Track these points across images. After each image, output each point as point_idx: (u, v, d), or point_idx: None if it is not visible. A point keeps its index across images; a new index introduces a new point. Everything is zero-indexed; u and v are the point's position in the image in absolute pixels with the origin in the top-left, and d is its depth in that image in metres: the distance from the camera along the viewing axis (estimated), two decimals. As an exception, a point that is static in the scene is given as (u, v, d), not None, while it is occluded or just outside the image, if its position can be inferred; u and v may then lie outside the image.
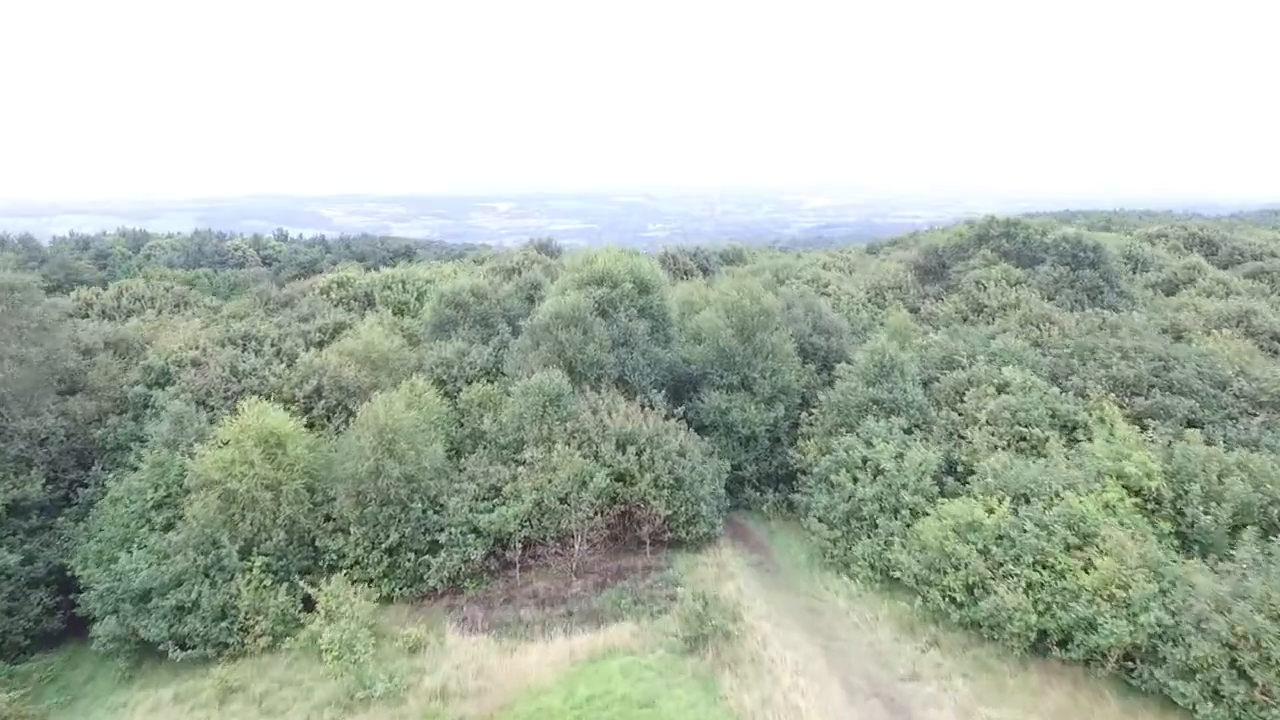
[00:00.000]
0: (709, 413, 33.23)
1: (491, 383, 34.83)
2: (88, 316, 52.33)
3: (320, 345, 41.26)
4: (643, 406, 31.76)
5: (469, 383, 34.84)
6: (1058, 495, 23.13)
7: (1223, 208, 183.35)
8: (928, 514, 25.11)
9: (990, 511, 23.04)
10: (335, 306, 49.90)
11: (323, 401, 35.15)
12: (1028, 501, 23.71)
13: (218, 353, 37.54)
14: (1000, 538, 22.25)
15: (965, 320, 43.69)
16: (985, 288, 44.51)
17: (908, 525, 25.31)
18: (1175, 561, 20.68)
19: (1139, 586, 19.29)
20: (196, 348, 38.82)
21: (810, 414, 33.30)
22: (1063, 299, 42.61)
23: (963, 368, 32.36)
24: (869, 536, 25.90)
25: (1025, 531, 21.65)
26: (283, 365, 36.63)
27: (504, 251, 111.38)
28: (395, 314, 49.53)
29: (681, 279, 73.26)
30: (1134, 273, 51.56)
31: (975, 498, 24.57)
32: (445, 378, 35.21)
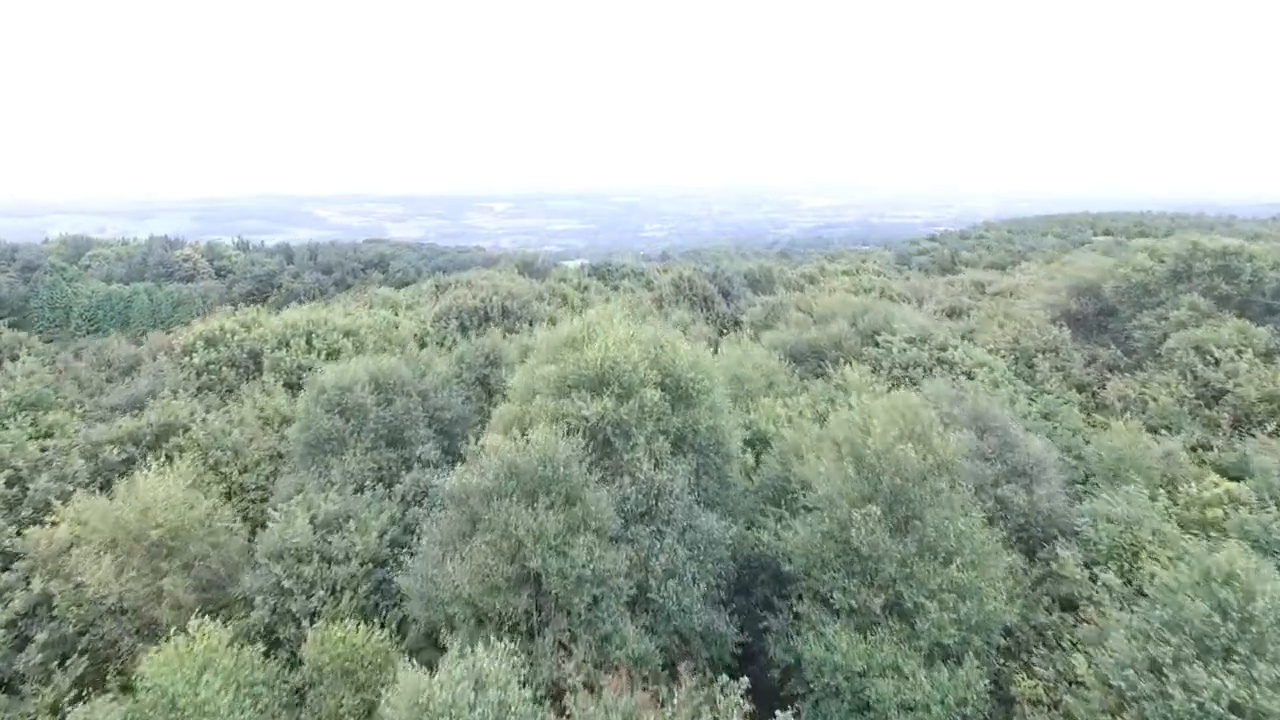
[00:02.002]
0: (820, 668, 15.10)
1: (382, 596, 16.49)
2: None
3: (123, 471, 22.82)
4: (693, 678, 13.57)
5: (337, 594, 16.47)
6: None
7: (1254, 208, 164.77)
8: None
9: None
10: (199, 376, 31.31)
11: (43, 635, 16.77)
12: None
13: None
14: None
15: (1193, 416, 25.38)
16: (1217, 361, 26.15)
17: None
18: None
19: None
20: None
21: (1036, 682, 15.10)
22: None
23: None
24: None
25: None
26: (-11, 547, 18.15)
27: (487, 265, 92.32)
28: (289, 387, 30.99)
29: (701, 310, 54.79)
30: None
31: None
32: (295, 586, 16.71)
